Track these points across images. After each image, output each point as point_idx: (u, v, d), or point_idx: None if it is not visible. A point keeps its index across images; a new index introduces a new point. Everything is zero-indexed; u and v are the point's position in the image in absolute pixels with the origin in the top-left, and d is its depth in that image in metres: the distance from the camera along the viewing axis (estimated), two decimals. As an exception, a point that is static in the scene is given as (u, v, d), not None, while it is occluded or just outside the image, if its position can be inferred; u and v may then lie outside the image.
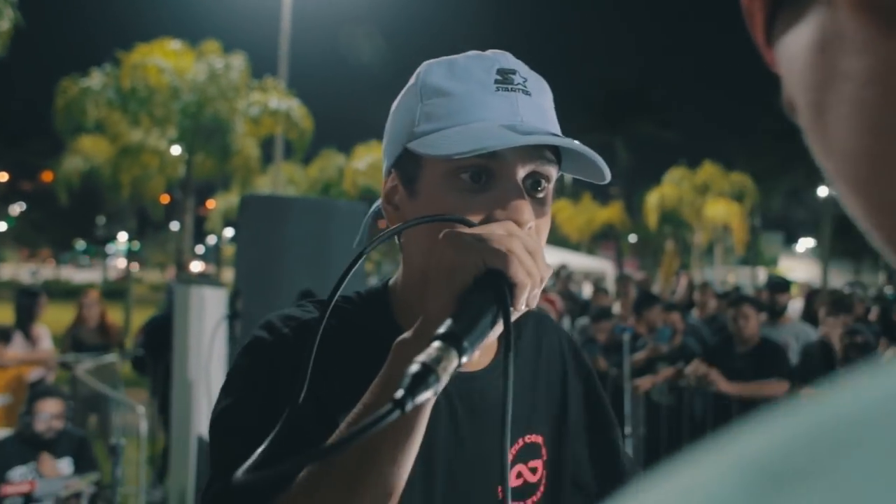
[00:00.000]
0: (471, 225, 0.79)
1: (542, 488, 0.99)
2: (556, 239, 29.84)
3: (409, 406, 0.61)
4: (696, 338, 5.53)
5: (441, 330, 0.67)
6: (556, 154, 0.87)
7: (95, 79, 14.92)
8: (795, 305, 7.11)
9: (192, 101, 14.63)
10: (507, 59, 0.88)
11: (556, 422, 1.04)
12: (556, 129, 0.89)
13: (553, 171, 0.86)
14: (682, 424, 5.05)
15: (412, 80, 0.90)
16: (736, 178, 27.07)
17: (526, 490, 0.97)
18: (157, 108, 14.83)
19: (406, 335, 0.76)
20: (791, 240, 48.81)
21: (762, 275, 35.33)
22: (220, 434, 0.85)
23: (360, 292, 0.98)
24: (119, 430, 4.22)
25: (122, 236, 43.53)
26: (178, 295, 4.50)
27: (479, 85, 0.84)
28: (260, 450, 0.73)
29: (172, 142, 15.43)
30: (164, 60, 14.74)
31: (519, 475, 0.96)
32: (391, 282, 0.97)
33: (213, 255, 44.21)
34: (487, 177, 0.82)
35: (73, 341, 6.10)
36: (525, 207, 0.81)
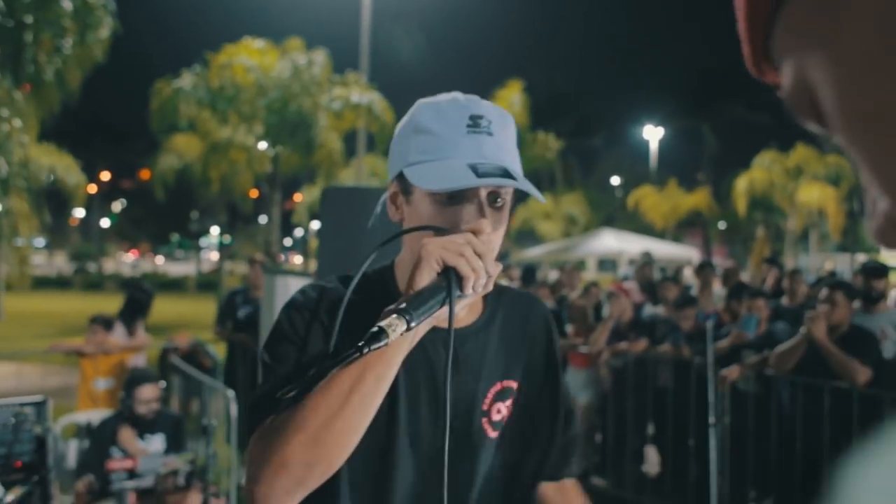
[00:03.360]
0: (446, 232, 1.08)
1: (507, 416, 1.28)
2: (640, 227, 29.22)
3: (365, 352, 0.94)
4: (787, 323, 5.33)
5: (399, 305, 0.98)
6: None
7: (186, 80, 15.53)
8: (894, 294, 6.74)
9: (277, 97, 15.05)
10: (479, 106, 1.15)
11: (535, 375, 1.33)
12: (513, 159, 1.16)
13: (509, 189, 1.15)
14: (769, 413, 4.90)
15: (407, 117, 1.19)
16: (832, 161, 25.81)
17: (500, 423, 1.27)
18: (244, 106, 15.33)
19: (390, 307, 1.04)
20: None
21: (862, 262, 33.62)
22: (262, 368, 1.17)
23: (375, 269, 1.27)
24: (211, 413, 4.43)
25: (214, 230, 45.25)
26: (265, 285, 4.67)
27: (454, 128, 1.12)
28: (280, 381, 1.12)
29: (259, 138, 15.91)
30: (250, 59, 15.22)
31: (499, 411, 1.26)
32: (396, 260, 1.27)
33: (300, 247, 45.39)
34: (459, 197, 1.12)
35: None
36: (484, 223, 1.09)
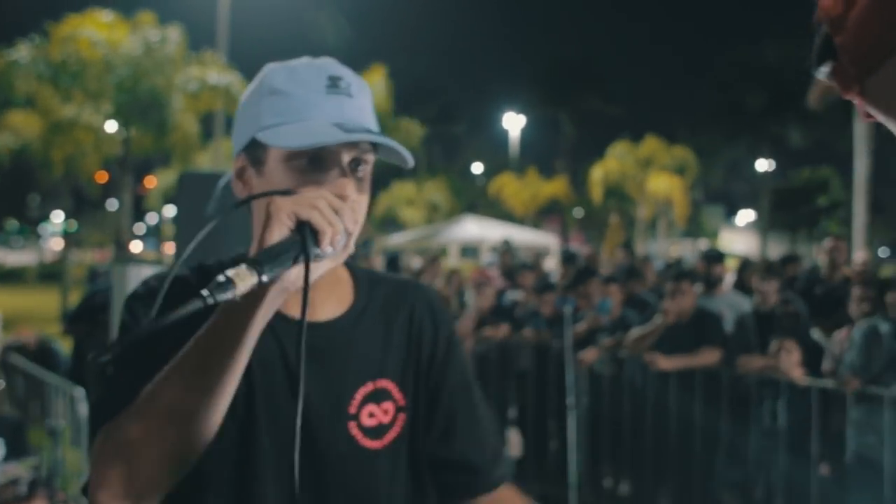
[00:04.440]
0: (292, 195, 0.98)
1: (397, 429, 1.15)
2: (501, 213, 30.01)
3: (209, 301, 0.80)
4: (638, 310, 5.64)
5: (249, 256, 0.87)
6: (373, 143, 1.07)
7: (23, 51, 14.29)
8: (730, 278, 7.33)
9: (127, 74, 14.17)
10: (336, 67, 1.08)
11: (416, 374, 1.18)
12: (373, 123, 1.10)
13: (371, 157, 1.07)
14: (623, 394, 5.18)
15: (256, 82, 1.10)
16: (678, 152, 27.58)
17: (380, 429, 1.13)
18: (91, 83, 14.33)
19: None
20: (732, 212, 50.10)
21: (704, 247, 36.26)
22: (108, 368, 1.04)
23: (222, 259, 1.13)
24: (58, 414, 4.12)
25: (57, 216, 42.07)
26: (115, 275, 4.39)
27: (312, 89, 1.05)
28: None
29: (108, 117, 14.93)
30: (97, 32, 14.22)
31: (371, 415, 1.12)
32: (251, 249, 1.12)
33: (154, 234, 43.16)
34: (319, 161, 1.02)
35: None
36: (348, 184, 1.01)
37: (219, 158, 15.79)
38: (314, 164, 1.02)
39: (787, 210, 35.71)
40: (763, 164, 31.44)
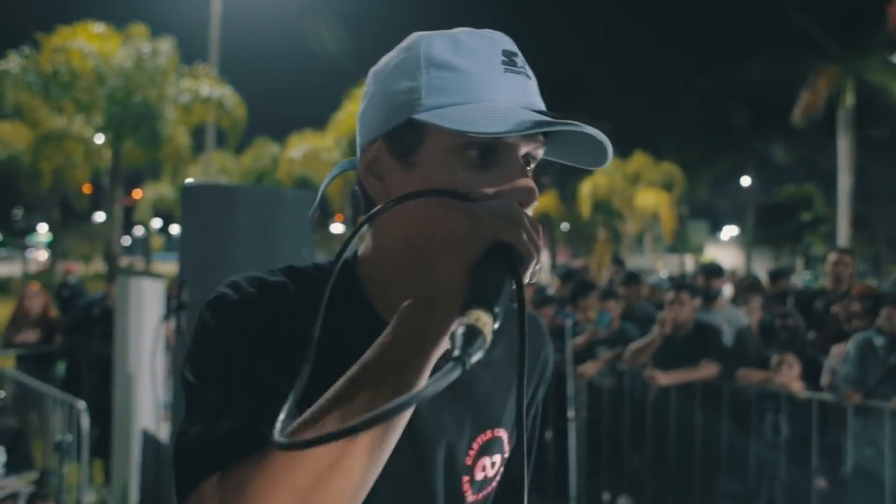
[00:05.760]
0: (474, 201, 0.77)
1: (494, 483, 0.97)
2: (492, 228, 30.11)
3: (468, 364, 0.60)
4: (637, 322, 5.68)
5: (471, 297, 0.66)
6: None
7: (13, 62, 14.28)
8: (728, 291, 7.40)
9: (119, 86, 14.16)
10: (508, 41, 0.87)
11: (517, 421, 0.99)
12: None
13: (541, 153, 0.87)
14: (623, 407, 5.20)
15: (404, 52, 0.86)
16: (665, 168, 27.86)
17: (485, 483, 0.94)
18: (82, 94, 14.32)
19: (411, 301, 0.72)
20: (716, 228, 50.49)
21: (689, 262, 36.53)
22: (194, 384, 0.80)
23: (320, 265, 0.92)
24: (62, 426, 4.08)
25: (42, 227, 41.68)
26: (119, 287, 4.39)
27: (487, 64, 0.83)
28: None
29: (99, 129, 14.89)
30: (88, 44, 14.23)
31: (483, 469, 0.93)
32: (359, 254, 0.92)
33: (142, 247, 42.83)
34: (492, 155, 0.81)
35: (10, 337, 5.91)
36: (532, 187, 0.81)
37: (210, 171, 15.77)
38: (486, 158, 0.80)
39: (771, 225, 36.08)
40: (747, 181, 31.79)
